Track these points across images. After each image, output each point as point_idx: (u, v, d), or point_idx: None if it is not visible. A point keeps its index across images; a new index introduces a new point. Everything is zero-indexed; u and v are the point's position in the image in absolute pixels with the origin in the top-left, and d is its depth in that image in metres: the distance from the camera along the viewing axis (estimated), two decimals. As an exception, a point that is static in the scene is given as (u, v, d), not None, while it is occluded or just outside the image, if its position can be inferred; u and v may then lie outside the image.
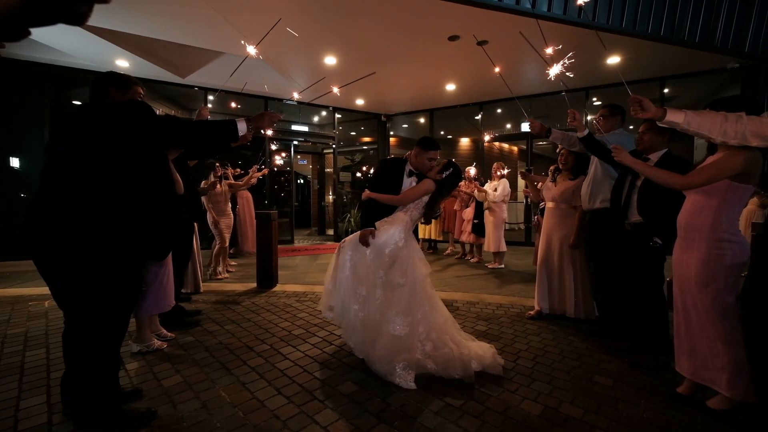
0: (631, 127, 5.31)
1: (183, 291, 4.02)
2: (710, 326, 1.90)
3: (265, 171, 6.17)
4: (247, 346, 2.77)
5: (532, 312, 3.49)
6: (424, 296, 2.44)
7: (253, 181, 6.34)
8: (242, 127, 1.99)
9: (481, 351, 2.42)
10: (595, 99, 7.80)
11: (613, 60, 6.07)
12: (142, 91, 2.20)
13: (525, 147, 9.07)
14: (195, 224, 3.98)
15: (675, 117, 1.86)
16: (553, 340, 2.90)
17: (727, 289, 1.85)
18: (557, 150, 3.69)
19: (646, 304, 2.51)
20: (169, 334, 2.90)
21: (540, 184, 3.92)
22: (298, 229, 9.29)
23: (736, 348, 1.81)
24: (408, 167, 2.67)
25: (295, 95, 3.14)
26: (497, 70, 2.88)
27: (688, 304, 2.01)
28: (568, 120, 2.86)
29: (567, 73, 2.58)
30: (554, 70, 2.55)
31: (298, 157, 9.45)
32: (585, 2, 4.57)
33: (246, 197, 6.70)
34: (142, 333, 2.64)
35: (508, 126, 10.39)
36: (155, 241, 1.88)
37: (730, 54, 5.65)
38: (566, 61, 2.65)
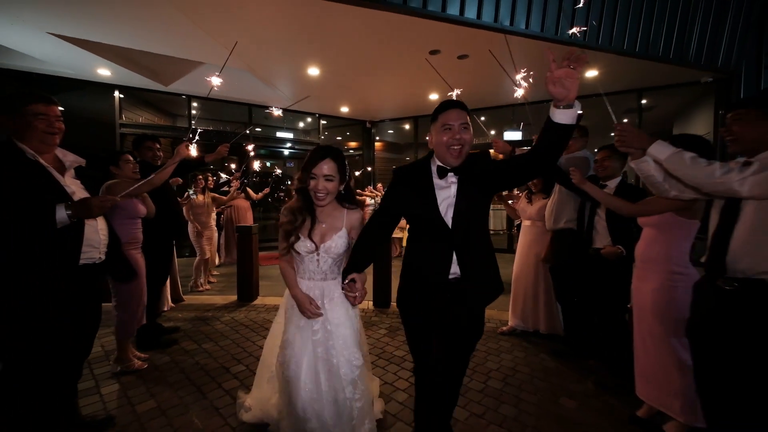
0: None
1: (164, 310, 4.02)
2: (665, 354, 1.99)
3: (266, 191, 6.29)
4: (224, 367, 2.79)
5: (505, 328, 3.57)
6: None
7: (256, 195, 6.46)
8: (61, 215, 1.62)
9: None
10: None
11: (591, 74, 6.20)
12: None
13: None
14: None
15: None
16: (525, 359, 2.99)
17: (679, 319, 1.92)
18: None
19: (610, 327, 2.61)
20: (141, 355, 2.89)
21: (514, 202, 4.00)
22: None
23: (688, 376, 1.87)
24: (435, 163, 1.69)
25: (276, 111, 3.23)
26: (456, 92, 2.86)
27: (645, 332, 2.10)
28: (615, 139, 1.71)
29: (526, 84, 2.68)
30: (519, 93, 2.70)
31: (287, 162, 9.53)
32: (564, 21, 4.70)
33: (236, 205, 6.70)
34: (123, 354, 2.68)
35: (492, 133, 10.54)
36: None
37: (704, 69, 5.81)
38: (531, 80, 2.74)
